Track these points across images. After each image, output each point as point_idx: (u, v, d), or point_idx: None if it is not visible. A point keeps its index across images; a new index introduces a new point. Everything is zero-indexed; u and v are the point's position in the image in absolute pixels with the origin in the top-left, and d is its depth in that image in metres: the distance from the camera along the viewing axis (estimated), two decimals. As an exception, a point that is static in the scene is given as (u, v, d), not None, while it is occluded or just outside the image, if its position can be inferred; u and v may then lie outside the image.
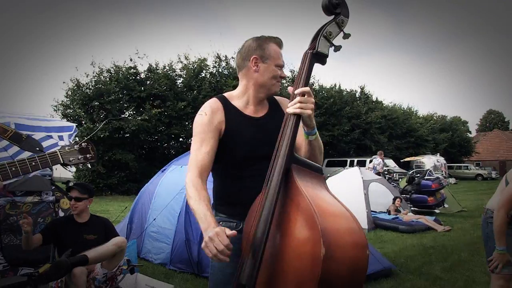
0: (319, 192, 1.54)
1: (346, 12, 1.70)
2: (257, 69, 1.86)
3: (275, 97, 2.04)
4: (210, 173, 1.87)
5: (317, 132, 1.77)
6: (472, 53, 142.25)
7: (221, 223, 1.89)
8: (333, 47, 1.71)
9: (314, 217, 1.36)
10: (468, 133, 45.47)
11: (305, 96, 1.62)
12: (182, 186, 5.63)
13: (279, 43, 1.90)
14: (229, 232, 1.45)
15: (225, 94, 1.98)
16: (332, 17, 1.70)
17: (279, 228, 1.51)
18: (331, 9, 1.68)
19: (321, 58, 1.71)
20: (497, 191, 3.22)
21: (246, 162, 1.85)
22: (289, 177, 1.55)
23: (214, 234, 1.43)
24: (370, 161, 17.16)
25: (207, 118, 1.84)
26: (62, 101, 19.24)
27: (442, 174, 23.38)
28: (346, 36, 1.70)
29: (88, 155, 1.54)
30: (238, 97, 1.94)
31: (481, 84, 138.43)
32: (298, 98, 1.63)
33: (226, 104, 1.90)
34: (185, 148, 18.97)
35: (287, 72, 20.32)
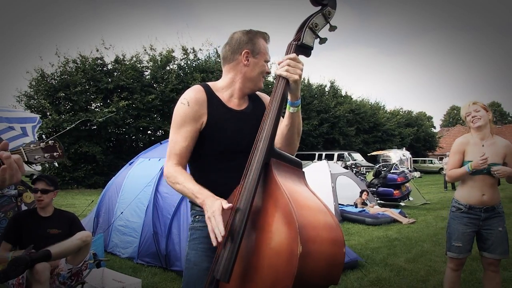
0: (298, 187, 1.52)
1: (334, 3, 1.65)
2: (248, 63, 1.83)
3: (256, 92, 2.01)
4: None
5: (299, 106, 1.75)
6: (434, 48, 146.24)
7: (197, 216, 1.88)
8: (318, 39, 1.67)
9: (292, 214, 1.34)
10: (432, 128, 46.67)
11: (294, 62, 1.62)
12: (150, 179, 5.59)
13: (266, 38, 1.89)
14: (226, 205, 1.47)
15: (210, 84, 1.92)
16: (319, 8, 1.65)
17: (256, 223, 1.49)
18: None
19: (306, 50, 1.67)
20: None
21: (226, 156, 1.82)
22: (268, 172, 1.52)
23: (212, 213, 1.48)
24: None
25: (189, 109, 1.79)
26: (26, 91, 18.63)
27: (408, 168, 23.99)
28: (333, 28, 1.66)
29: (55, 153, 1.46)
30: (222, 88, 1.89)
31: (445, 80, 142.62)
32: (287, 61, 1.61)
33: (210, 94, 1.85)
34: (153, 140, 18.72)
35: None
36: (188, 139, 1.78)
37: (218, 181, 1.79)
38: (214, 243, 1.43)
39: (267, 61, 1.87)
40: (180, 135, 1.79)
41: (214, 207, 1.49)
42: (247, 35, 1.85)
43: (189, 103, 1.79)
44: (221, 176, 1.80)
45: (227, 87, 1.89)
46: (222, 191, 1.67)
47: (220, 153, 1.82)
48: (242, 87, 1.88)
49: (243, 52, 1.83)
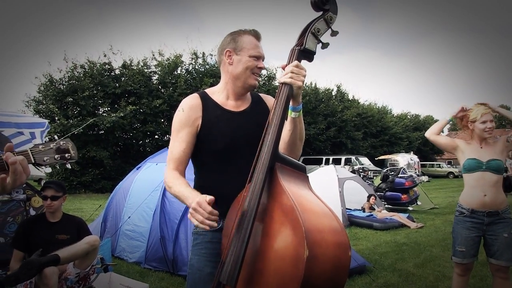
0: (302, 191, 1.52)
1: (335, 8, 1.67)
2: (231, 61, 1.87)
3: (259, 94, 2.04)
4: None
5: (301, 111, 1.76)
6: (441, 51, 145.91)
7: None
8: (320, 44, 1.69)
9: (297, 218, 1.34)
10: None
11: (297, 69, 1.63)
12: (158, 183, 5.59)
13: (255, 34, 1.89)
14: (208, 198, 1.49)
15: (207, 90, 1.97)
16: (321, 13, 1.67)
17: (262, 228, 1.49)
18: (320, 5, 1.65)
19: (308, 55, 1.69)
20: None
21: (224, 157, 1.83)
22: (273, 176, 1.52)
23: (196, 204, 1.48)
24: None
25: (184, 115, 1.85)
26: (34, 96, 18.80)
27: (415, 172, 23.85)
28: (334, 33, 1.68)
29: (67, 155, 1.38)
30: (218, 92, 1.94)
31: (452, 83, 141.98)
32: (290, 68, 1.62)
33: (205, 99, 1.90)
34: (161, 145, 18.80)
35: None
36: (185, 143, 1.83)
37: (218, 183, 1.82)
38: (215, 225, 1.45)
39: (253, 56, 1.85)
40: (177, 141, 1.85)
41: (197, 198, 1.51)
42: (231, 35, 1.89)
43: (183, 109, 1.87)
44: (221, 177, 1.83)
45: (223, 89, 1.94)
46: (222, 193, 1.68)
47: (217, 155, 1.84)
48: (234, 86, 1.91)
49: (225, 52, 1.88)
